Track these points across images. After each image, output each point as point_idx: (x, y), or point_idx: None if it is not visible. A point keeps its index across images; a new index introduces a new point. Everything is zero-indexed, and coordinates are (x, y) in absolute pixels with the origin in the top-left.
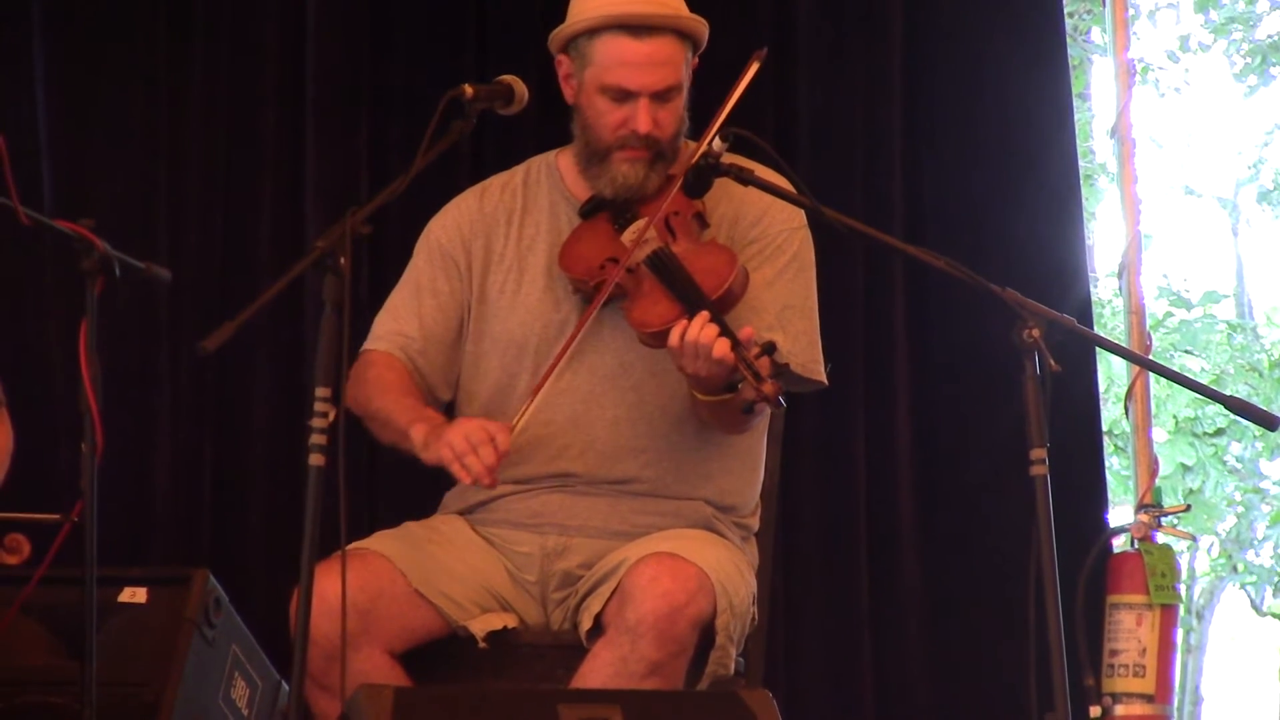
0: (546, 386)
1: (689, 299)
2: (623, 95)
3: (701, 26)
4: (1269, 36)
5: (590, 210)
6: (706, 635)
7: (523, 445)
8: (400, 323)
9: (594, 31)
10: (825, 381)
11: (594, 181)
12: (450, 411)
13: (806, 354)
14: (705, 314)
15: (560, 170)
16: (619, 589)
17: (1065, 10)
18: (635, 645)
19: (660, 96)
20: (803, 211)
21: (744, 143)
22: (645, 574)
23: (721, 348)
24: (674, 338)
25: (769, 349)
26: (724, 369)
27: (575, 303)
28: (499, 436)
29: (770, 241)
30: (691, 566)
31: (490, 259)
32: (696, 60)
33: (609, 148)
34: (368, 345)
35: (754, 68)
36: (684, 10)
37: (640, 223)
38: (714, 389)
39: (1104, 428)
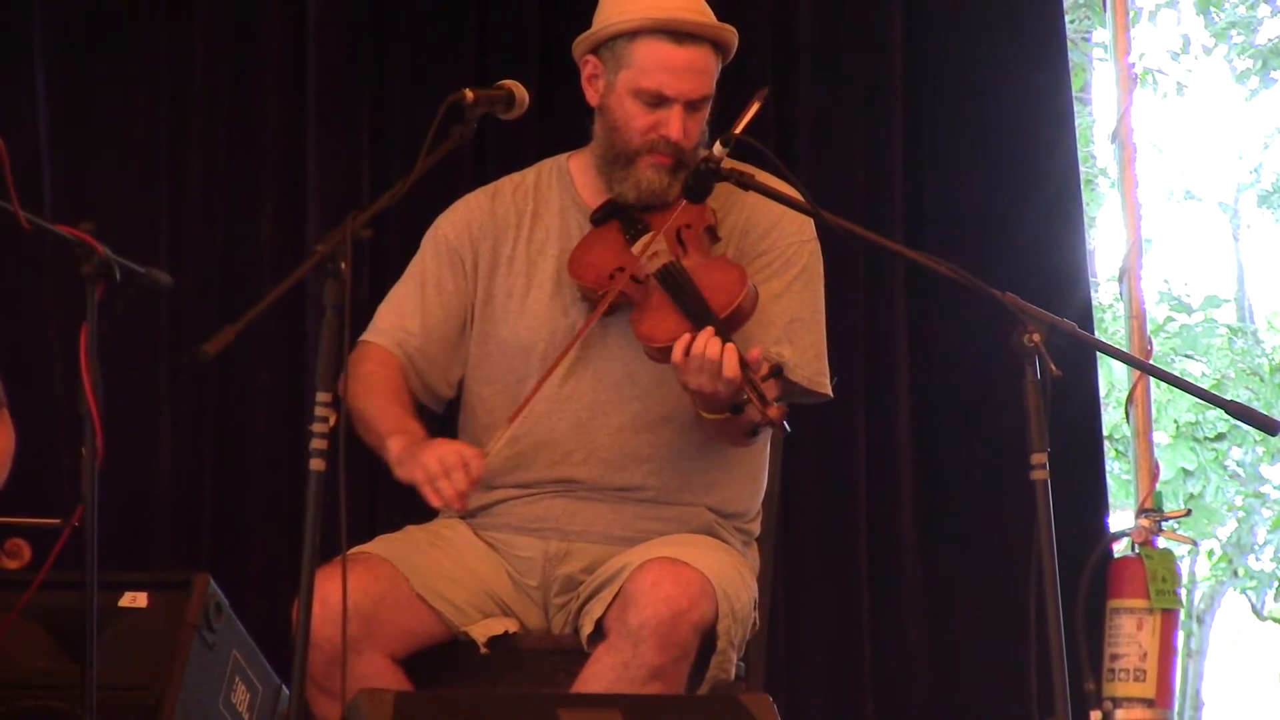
0: (544, 392)
1: (697, 315)
2: (657, 101)
3: (735, 39)
4: (1269, 40)
5: (602, 218)
6: (708, 640)
7: (525, 450)
8: (402, 317)
9: (634, 34)
10: (830, 395)
11: (617, 185)
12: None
13: (813, 367)
14: (710, 329)
15: (572, 174)
16: (621, 594)
17: (1065, 13)
18: (637, 650)
19: (693, 106)
20: (812, 223)
21: (744, 147)
22: (647, 579)
23: (731, 364)
24: (677, 353)
25: (776, 371)
26: (730, 387)
27: (583, 310)
28: (472, 462)
29: (780, 254)
30: (693, 571)
31: (498, 261)
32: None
33: (636, 151)
34: (367, 336)
35: (755, 107)
36: (714, 18)
37: (651, 234)
38: (719, 408)
39: (1104, 432)
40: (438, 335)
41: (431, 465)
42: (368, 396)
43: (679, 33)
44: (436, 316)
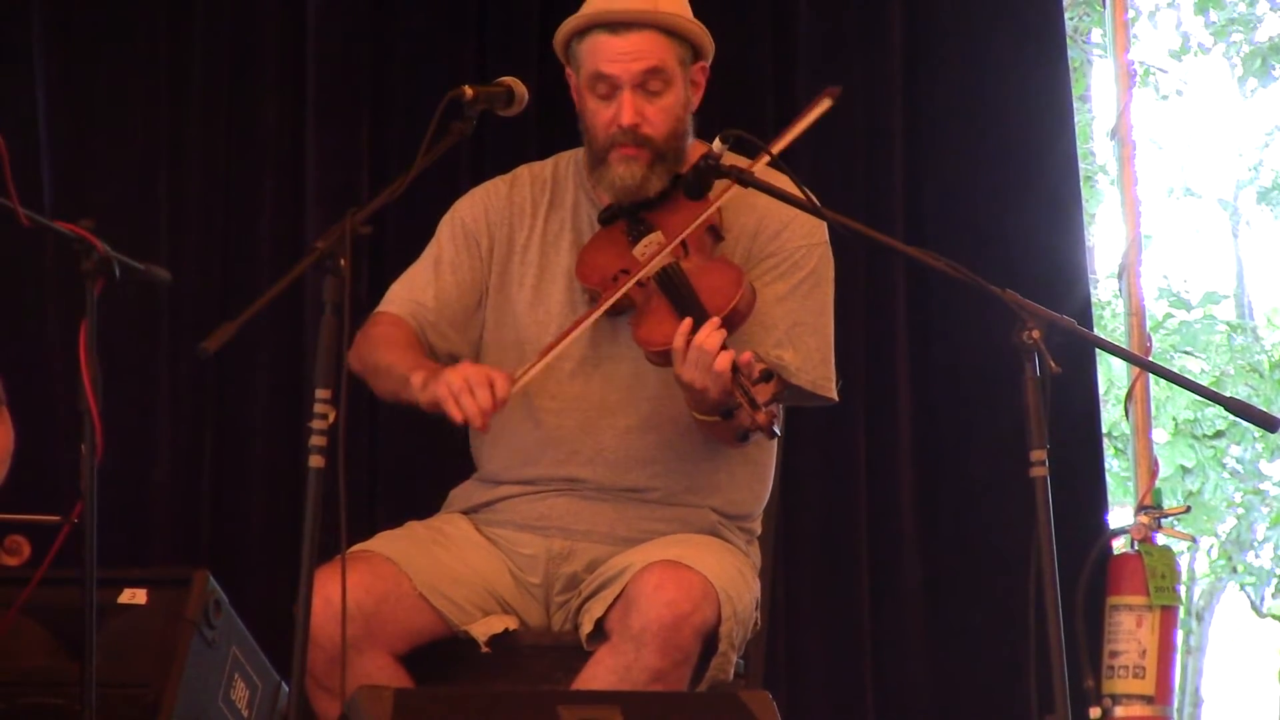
0: (552, 390)
1: (693, 318)
2: (608, 89)
3: (685, 22)
4: (1269, 38)
5: (608, 218)
6: (709, 642)
7: (531, 447)
8: (416, 291)
9: (580, 35)
10: (836, 398)
11: (598, 186)
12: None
13: (817, 370)
14: (716, 319)
15: (587, 170)
16: (623, 596)
17: (1065, 11)
18: (639, 653)
19: (644, 89)
20: (825, 226)
21: (745, 144)
22: (650, 582)
23: (722, 361)
24: (679, 340)
25: (768, 375)
26: (720, 385)
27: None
28: (499, 383)
29: (787, 257)
30: (696, 575)
31: (513, 249)
32: (705, 65)
33: (604, 148)
34: (379, 308)
35: (825, 104)
36: (669, 6)
37: (653, 236)
38: (710, 409)
39: (1104, 429)
40: (450, 312)
41: (455, 382)
42: (385, 350)
43: (614, 23)
44: (451, 294)
